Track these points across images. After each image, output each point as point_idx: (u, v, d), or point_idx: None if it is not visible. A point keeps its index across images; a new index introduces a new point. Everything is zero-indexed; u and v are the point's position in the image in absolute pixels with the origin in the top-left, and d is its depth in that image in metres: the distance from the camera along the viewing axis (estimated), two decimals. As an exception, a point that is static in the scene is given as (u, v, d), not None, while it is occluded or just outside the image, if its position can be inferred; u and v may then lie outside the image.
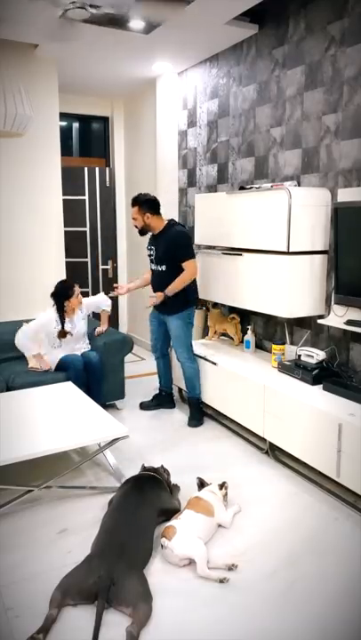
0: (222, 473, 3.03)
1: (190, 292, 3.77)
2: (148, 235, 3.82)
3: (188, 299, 3.77)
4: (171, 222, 3.76)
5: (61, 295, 3.86)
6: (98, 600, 1.92)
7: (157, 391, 4.19)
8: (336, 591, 2.13)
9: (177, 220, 5.21)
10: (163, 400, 4.14)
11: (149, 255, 3.83)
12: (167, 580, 2.17)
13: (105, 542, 2.19)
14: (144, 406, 4.12)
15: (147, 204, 3.65)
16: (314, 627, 1.94)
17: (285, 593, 2.11)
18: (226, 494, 2.63)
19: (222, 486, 2.63)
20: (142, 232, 3.78)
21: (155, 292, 3.79)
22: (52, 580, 2.03)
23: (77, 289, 3.92)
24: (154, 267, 3.80)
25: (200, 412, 3.86)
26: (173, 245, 3.63)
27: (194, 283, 3.77)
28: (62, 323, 3.85)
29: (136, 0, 3.23)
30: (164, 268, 3.69)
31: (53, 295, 3.88)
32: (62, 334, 3.85)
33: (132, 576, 2.04)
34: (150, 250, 3.82)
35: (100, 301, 4.21)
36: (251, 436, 3.50)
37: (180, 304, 3.73)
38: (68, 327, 3.88)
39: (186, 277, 3.64)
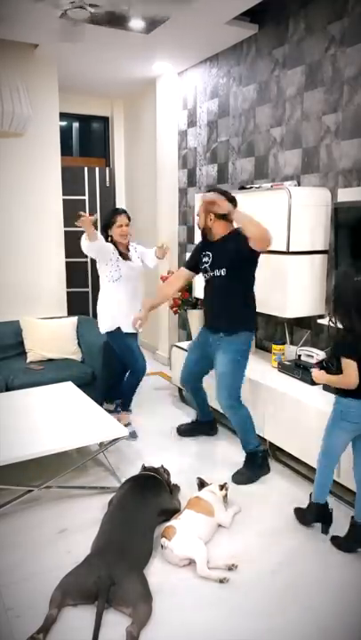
0: (222, 473, 3.03)
1: (252, 310, 3.17)
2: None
3: (250, 318, 3.16)
4: (235, 230, 3.07)
5: (104, 225, 3.63)
6: (98, 600, 1.92)
7: (195, 418, 3.70)
8: (336, 591, 2.13)
9: (177, 219, 5.22)
10: (203, 428, 3.61)
11: (203, 262, 3.19)
12: (167, 579, 2.17)
13: (105, 542, 2.19)
14: (182, 431, 3.60)
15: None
16: (314, 627, 1.94)
17: (285, 593, 2.11)
18: (226, 495, 2.63)
19: (223, 487, 2.63)
20: (204, 234, 3.20)
21: (208, 305, 3.26)
22: (52, 580, 2.03)
23: (121, 219, 3.56)
24: (208, 274, 3.16)
25: (254, 469, 3.03)
26: (237, 241, 2.97)
27: (255, 302, 3.17)
28: (116, 247, 3.56)
29: (130, 5, 3.22)
30: (223, 272, 3.05)
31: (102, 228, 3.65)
32: (124, 256, 3.56)
33: (132, 576, 2.03)
34: (205, 255, 3.17)
35: (147, 255, 3.77)
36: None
37: (244, 319, 3.10)
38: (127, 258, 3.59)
39: (261, 226, 2.84)
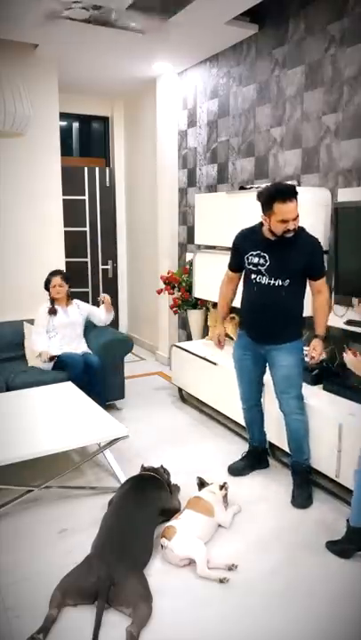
0: (222, 473, 3.03)
1: (302, 313, 2.84)
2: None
3: (302, 320, 2.85)
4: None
5: (45, 285, 4.09)
6: (98, 600, 1.92)
7: (246, 449, 3.24)
8: (336, 591, 2.13)
9: (177, 219, 5.22)
10: (256, 459, 3.16)
11: (253, 265, 2.77)
12: (167, 580, 2.17)
13: (105, 542, 2.19)
14: (236, 471, 3.09)
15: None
16: (314, 627, 1.94)
17: (285, 593, 2.11)
18: (226, 495, 2.63)
19: (222, 487, 2.63)
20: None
21: (257, 317, 2.82)
22: (52, 580, 2.03)
23: (55, 280, 4.01)
24: (263, 280, 2.73)
25: (309, 485, 2.82)
26: (310, 254, 2.69)
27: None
28: (52, 304, 4.01)
29: (127, 8, 3.26)
30: (286, 283, 2.68)
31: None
32: (52, 310, 3.97)
33: (132, 576, 2.04)
34: (257, 256, 2.75)
35: (95, 314, 4.18)
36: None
37: (296, 329, 2.80)
38: (60, 312, 3.98)
39: (326, 302, 2.75)
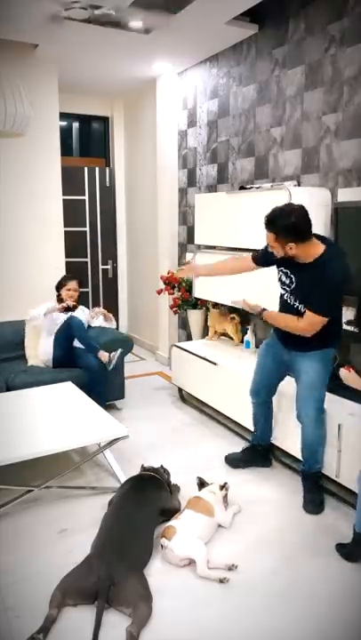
0: (222, 473, 3.03)
1: (337, 325, 2.71)
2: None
3: (334, 333, 2.70)
4: (329, 249, 2.56)
5: (57, 286, 4.22)
6: (98, 600, 1.92)
7: (246, 444, 3.31)
8: (336, 591, 2.13)
9: (177, 219, 5.22)
10: (257, 456, 3.16)
11: (282, 280, 2.72)
12: (167, 580, 2.17)
13: (105, 542, 2.19)
14: (232, 462, 3.17)
15: (287, 231, 2.46)
16: (314, 627, 1.94)
17: (285, 593, 2.11)
18: (226, 495, 2.63)
19: (223, 487, 2.63)
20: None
21: (283, 336, 2.79)
22: (52, 580, 2.03)
23: (71, 284, 4.15)
24: (290, 300, 2.69)
25: (320, 491, 2.77)
26: (319, 282, 2.51)
27: (341, 320, 2.75)
28: (60, 301, 4.09)
29: (129, 6, 3.27)
30: (302, 308, 2.61)
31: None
32: (65, 308, 3.98)
33: (132, 576, 2.04)
34: (285, 274, 2.68)
35: (94, 323, 4.25)
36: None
37: (323, 338, 2.65)
38: (67, 314, 4.01)
39: (296, 326, 2.63)
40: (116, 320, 6.25)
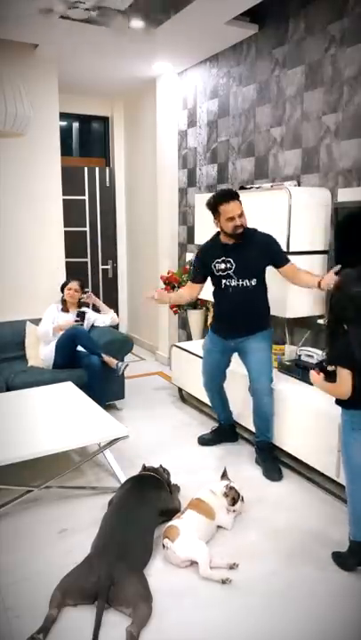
0: (222, 473, 3.03)
1: (268, 307, 3.18)
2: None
3: (269, 312, 3.18)
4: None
5: (62, 287, 4.26)
6: (98, 600, 1.92)
7: (216, 425, 3.62)
8: (336, 591, 2.13)
9: (177, 219, 5.22)
10: (225, 434, 3.52)
11: (222, 270, 3.06)
12: (167, 580, 2.17)
13: (105, 542, 2.19)
14: (204, 441, 3.50)
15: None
16: (314, 627, 1.94)
17: (286, 593, 2.11)
18: (234, 499, 2.55)
19: (227, 494, 2.55)
20: (240, 235, 2.99)
21: (229, 316, 3.13)
22: (52, 580, 2.03)
23: (72, 284, 4.18)
24: (233, 283, 3.03)
25: (275, 459, 3.14)
26: (268, 248, 3.00)
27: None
28: (64, 304, 4.17)
29: (127, 8, 3.27)
30: (253, 282, 3.01)
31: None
32: (65, 309, 4.13)
33: (132, 576, 2.03)
34: (222, 262, 3.04)
35: (99, 318, 4.29)
36: (251, 435, 3.50)
37: (267, 318, 3.14)
38: (69, 314, 4.13)
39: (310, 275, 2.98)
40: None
